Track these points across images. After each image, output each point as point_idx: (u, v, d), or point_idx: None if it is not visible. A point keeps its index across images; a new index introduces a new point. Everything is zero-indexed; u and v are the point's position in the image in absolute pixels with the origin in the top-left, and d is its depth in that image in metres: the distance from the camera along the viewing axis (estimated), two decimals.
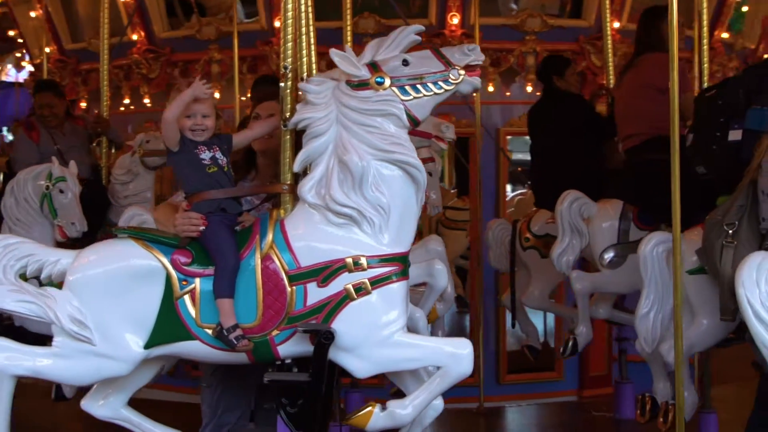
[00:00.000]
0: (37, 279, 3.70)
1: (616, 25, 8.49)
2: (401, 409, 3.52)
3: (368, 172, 3.50)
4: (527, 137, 7.21)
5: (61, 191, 5.76)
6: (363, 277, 3.49)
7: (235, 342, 3.46)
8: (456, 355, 3.51)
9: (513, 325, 6.88)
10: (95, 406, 3.77)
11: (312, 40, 4.05)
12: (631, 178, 5.81)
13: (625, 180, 5.91)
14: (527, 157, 7.26)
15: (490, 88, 8.14)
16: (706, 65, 5.60)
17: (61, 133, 6.78)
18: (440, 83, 3.56)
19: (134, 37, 8.64)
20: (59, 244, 5.49)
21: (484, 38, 7.52)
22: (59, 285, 3.63)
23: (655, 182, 5.39)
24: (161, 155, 6.24)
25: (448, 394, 3.64)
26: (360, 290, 3.49)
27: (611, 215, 5.77)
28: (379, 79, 3.54)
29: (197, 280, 3.55)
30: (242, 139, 3.84)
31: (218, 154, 3.68)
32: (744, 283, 3.75)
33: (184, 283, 3.55)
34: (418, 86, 3.55)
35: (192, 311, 3.54)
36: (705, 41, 5.55)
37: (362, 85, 3.55)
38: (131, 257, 3.57)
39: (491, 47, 7.93)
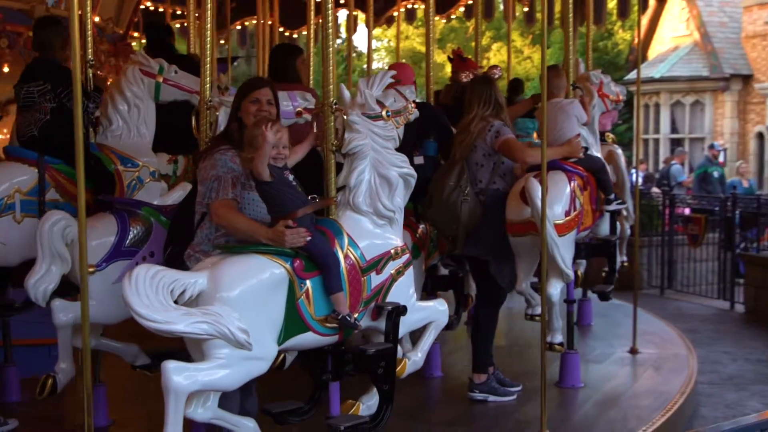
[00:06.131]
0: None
1: (97, 19, 9.22)
2: (416, 357, 4.83)
3: (399, 182, 4.65)
4: None
5: None
6: (400, 262, 4.66)
7: (357, 324, 4.33)
8: (442, 311, 4.94)
9: None
10: (197, 413, 4.04)
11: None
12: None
13: None
14: None
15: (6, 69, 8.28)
16: None
17: None
18: (406, 115, 4.88)
19: None
20: None
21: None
22: None
23: None
24: None
25: None
26: (399, 273, 4.65)
27: None
28: (387, 113, 4.69)
29: (308, 282, 4.25)
30: (289, 163, 4.47)
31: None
32: (532, 195, 5.77)
33: (302, 285, 4.22)
34: (401, 118, 4.82)
35: (308, 308, 4.23)
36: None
37: (377, 117, 4.66)
38: (268, 269, 4.10)
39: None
